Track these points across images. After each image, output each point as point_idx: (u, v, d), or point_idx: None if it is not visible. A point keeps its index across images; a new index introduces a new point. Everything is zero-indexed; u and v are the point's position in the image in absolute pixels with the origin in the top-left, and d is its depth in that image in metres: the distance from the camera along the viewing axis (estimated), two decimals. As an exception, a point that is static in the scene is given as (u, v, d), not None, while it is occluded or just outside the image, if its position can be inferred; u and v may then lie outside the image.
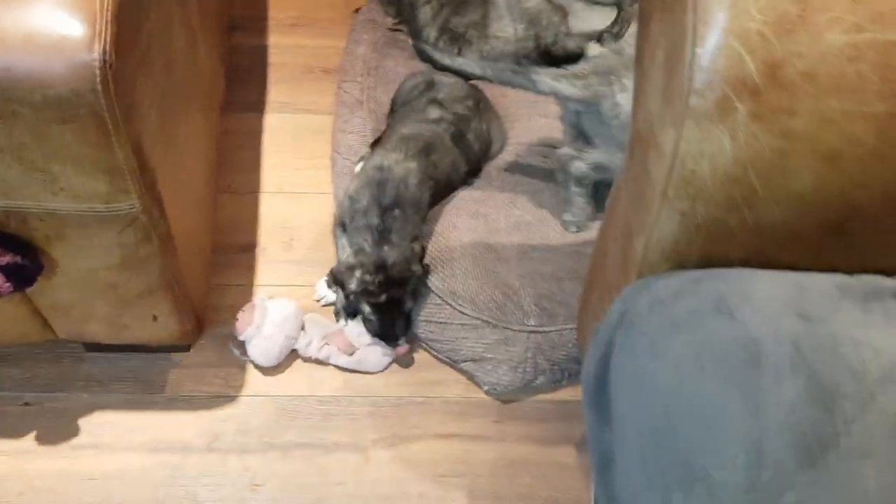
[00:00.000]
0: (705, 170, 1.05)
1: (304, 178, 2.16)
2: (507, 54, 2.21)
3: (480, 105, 2.01)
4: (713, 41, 0.96)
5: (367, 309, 1.72)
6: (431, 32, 2.24)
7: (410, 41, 2.33)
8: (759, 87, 0.96)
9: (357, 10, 2.50)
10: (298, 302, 1.87)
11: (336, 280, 1.76)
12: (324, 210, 2.06)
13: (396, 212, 1.74)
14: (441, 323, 1.79)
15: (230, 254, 2.00)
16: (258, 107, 2.32)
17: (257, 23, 2.56)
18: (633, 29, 2.05)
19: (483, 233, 1.89)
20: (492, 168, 2.05)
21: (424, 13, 2.25)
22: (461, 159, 1.93)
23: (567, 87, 1.77)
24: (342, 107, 2.20)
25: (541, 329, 1.76)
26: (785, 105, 0.96)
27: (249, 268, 1.99)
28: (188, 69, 1.73)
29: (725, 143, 1.01)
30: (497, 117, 2.09)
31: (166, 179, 1.43)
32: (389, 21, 2.39)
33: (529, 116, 2.16)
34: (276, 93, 2.36)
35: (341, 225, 1.81)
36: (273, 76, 2.41)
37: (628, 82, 1.73)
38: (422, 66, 2.26)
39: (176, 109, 1.58)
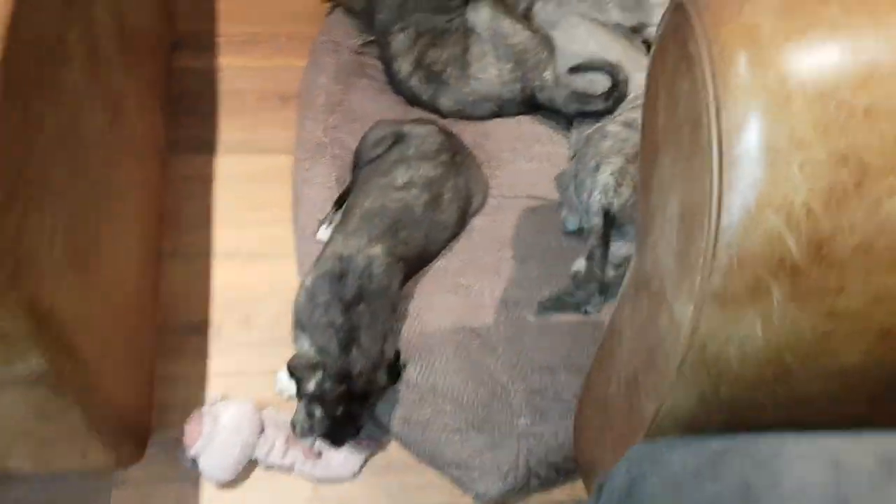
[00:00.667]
0: (731, 354, 0.86)
1: (262, 237, 1.90)
2: (490, 98, 1.94)
3: (457, 158, 1.74)
4: (743, 214, 0.75)
5: (318, 410, 1.50)
6: (404, 65, 1.95)
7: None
8: (800, 266, 0.76)
9: (330, 13, 2.19)
10: (256, 396, 1.65)
11: (293, 375, 1.54)
12: (285, 277, 1.82)
13: (361, 307, 1.50)
14: (421, 423, 1.57)
15: (179, 335, 1.76)
16: (208, 146, 2.05)
17: (205, 39, 2.25)
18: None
19: (465, 313, 1.66)
20: (473, 225, 1.79)
21: (398, 42, 1.96)
22: (436, 229, 1.68)
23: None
24: (303, 149, 1.93)
25: (533, 430, 1.54)
26: (831, 284, 0.77)
27: (201, 353, 1.75)
28: (112, 142, 1.45)
29: (756, 327, 0.81)
30: (477, 167, 1.83)
31: (83, 315, 1.18)
32: (355, 42, 2.09)
33: (514, 160, 1.90)
34: (228, 128, 2.08)
35: (299, 324, 1.56)
36: (225, 106, 2.12)
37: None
38: (393, 102, 2.00)
39: (93, 210, 1.32)
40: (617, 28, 2.01)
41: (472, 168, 1.79)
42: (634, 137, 1.65)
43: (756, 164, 0.75)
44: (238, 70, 2.19)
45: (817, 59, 0.74)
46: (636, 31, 2.05)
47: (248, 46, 2.25)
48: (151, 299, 1.75)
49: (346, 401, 1.46)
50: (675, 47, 0.86)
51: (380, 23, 2.02)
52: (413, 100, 1.97)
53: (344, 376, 1.46)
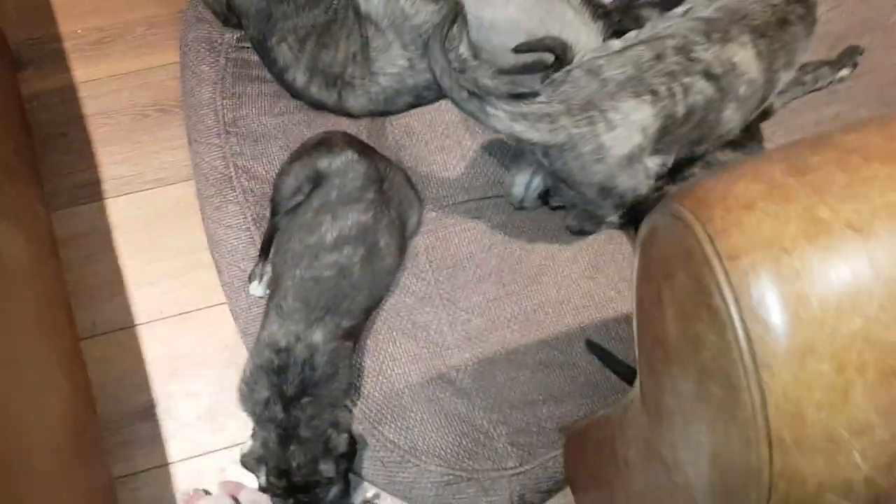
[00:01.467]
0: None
1: (185, 288, 1.72)
2: (404, 91, 1.71)
3: (384, 186, 1.56)
4: (798, 494, 0.71)
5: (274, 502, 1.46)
6: (298, 76, 1.69)
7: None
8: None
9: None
10: (227, 474, 1.58)
11: (246, 467, 1.47)
12: (221, 330, 1.68)
13: (305, 400, 1.41)
14: (408, 482, 1.53)
15: (127, 425, 1.63)
16: (92, 191, 1.79)
17: (48, 47, 1.90)
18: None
19: (429, 358, 1.57)
20: (417, 248, 1.66)
21: (283, 54, 1.68)
22: (380, 277, 1.54)
23: (529, 130, 1.37)
24: (205, 183, 1.71)
25: (521, 469, 1.53)
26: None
27: (154, 440, 1.63)
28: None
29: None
30: (405, 182, 1.65)
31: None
32: (231, 36, 1.79)
33: (445, 160, 1.72)
34: (109, 163, 1.82)
35: (246, 411, 1.46)
36: (97, 136, 1.84)
37: (615, 116, 1.36)
38: (294, 108, 1.75)
39: None
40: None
41: (401, 187, 1.62)
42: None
43: (814, 454, 0.68)
44: (100, 83, 1.88)
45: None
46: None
47: (101, 47, 1.92)
48: (84, 399, 1.60)
49: (292, 493, 1.41)
50: (687, 279, 0.74)
51: (254, 38, 1.72)
52: (317, 107, 1.73)
53: (282, 472, 1.39)
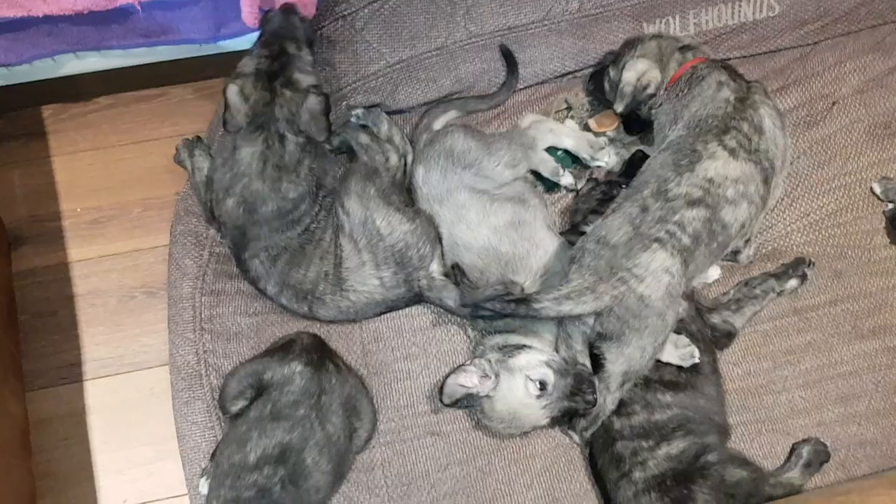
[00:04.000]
0: None
1: (152, 477, 1.77)
2: (373, 305, 1.76)
3: (322, 401, 1.56)
4: None
5: None
6: (269, 287, 1.74)
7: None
8: None
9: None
10: None
11: None
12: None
13: None
14: None
15: None
16: (73, 372, 1.86)
17: (48, 225, 2.00)
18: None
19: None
20: (374, 461, 1.67)
21: (254, 267, 1.74)
22: (305, 497, 1.52)
23: (578, 306, 1.50)
24: (177, 376, 1.75)
25: None
26: None
27: None
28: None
29: None
30: (362, 392, 1.67)
31: None
32: (217, 233, 1.86)
33: (409, 370, 1.75)
34: (91, 345, 1.89)
35: None
36: (85, 316, 1.91)
37: (639, 270, 1.49)
38: (270, 310, 1.81)
39: None
40: (511, 188, 1.84)
41: (353, 398, 1.62)
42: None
43: None
44: (92, 263, 1.96)
45: None
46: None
47: (97, 226, 2.01)
48: None
49: None
50: None
51: (229, 247, 1.79)
52: (289, 312, 1.79)
53: None
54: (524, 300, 1.52)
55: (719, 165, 1.57)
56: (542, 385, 1.56)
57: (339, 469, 1.61)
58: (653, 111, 1.83)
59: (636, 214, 1.54)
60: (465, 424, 1.72)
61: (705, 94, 1.71)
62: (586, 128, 1.99)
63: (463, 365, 1.61)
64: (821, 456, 1.65)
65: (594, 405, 1.55)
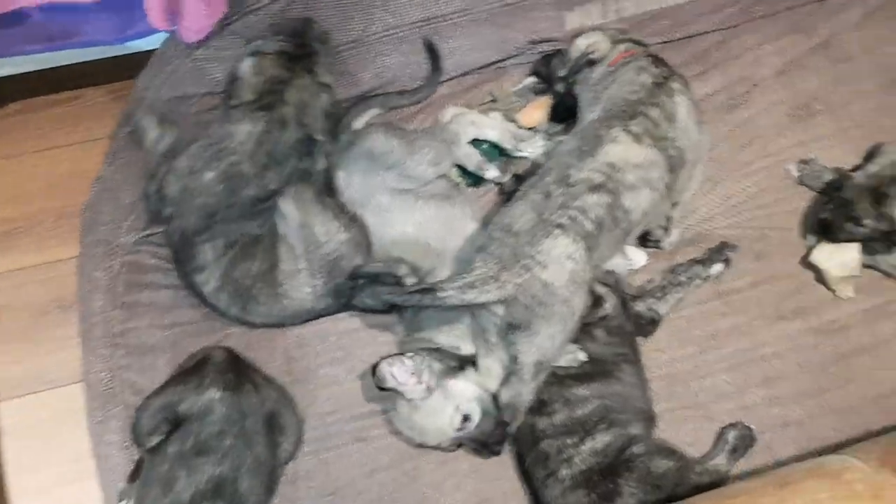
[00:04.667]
0: None
1: (70, 497, 1.71)
2: (303, 313, 1.72)
3: (248, 424, 1.51)
4: None
5: None
6: (211, 279, 1.68)
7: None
8: None
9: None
10: None
11: None
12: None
13: None
14: None
15: None
16: (-15, 391, 1.79)
17: (-42, 241, 1.92)
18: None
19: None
20: (297, 473, 1.63)
21: (204, 254, 1.68)
22: None
23: (482, 294, 1.45)
24: (91, 393, 1.70)
25: None
26: None
27: None
28: None
29: None
30: (286, 404, 1.63)
31: None
32: (130, 240, 1.80)
33: (336, 375, 1.72)
34: (3, 363, 1.82)
35: None
36: (-4, 332, 1.84)
37: (542, 256, 1.45)
38: (186, 320, 1.75)
39: None
40: (435, 185, 1.81)
41: (277, 413, 1.58)
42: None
43: None
44: (2, 277, 1.89)
45: None
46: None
47: (10, 238, 1.94)
48: None
49: None
50: None
51: (180, 231, 1.70)
52: (217, 313, 1.74)
53: None
54: (429, 290, 1.47)
55: (620, 150, 1.55)
56: (466, 419, 1.55)
57: (270, 487, 1.57)
58: (579, 89, 1.81)
59: (539, 201, 1.51)
60: (392, 428, 1.69)
61: (624, 77, 1.70)
62: (514, 121, 1.97)
63: (402, 355, 1.58)
64: (746, 440, 1.65)
65: (497, 455, 1.57)
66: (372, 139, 1.80)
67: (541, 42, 1.99)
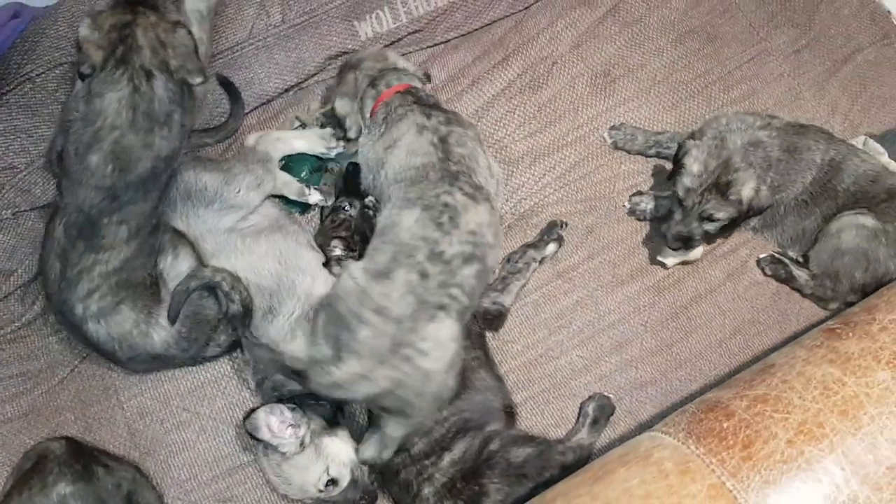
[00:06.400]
0: None
1: None
2: (147, 358, 1.63)
3: None
4: None
5: None
6: (112, 262, 1.56)
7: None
8: None
9: None
10: None
11: None
12: None
13: None
14: None
15: None
16: None
17: None
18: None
19: None
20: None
21: (114, 234, 1.55)
22: None
23: (349, 393, 1.46)
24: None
25: None
26: None
27: None
28: None
29: None
30: (142, 481, 1.55)
31: None
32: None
33: (185, 441, 1.64)
34: None
35: None
36: None
37: (425, 344, 1.41)
38: (13, 414, 1.63)
39: None
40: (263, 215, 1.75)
41: (132, 493, 1.49)
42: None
43: None
44: None
45: None
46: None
47: None
48: None
49: None
50: None
51: (87, 209, 1.53)
52: (90, 343, 1.60)
53: None
54: (300, 373, 1.44)
55: (472, 215, 1.51)
56: (333, 482, 1.52)
57: None
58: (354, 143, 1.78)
59: (416, 282, 1.42)
60: (257, 481, 1.63)
61: (409, 140, 1.62)
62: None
63: (282, 404, 1.52)
64: (606, 410, 1.68)
65: None
66: (183, 178, 1.71)
67: (337, 56, 1.95)
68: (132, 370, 1.67)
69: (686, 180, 1.67)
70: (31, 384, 1.68)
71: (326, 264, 1.70)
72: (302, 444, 1.52)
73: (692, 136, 1.73)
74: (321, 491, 1.51)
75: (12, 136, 1.74)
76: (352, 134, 1.76)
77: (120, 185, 1.53)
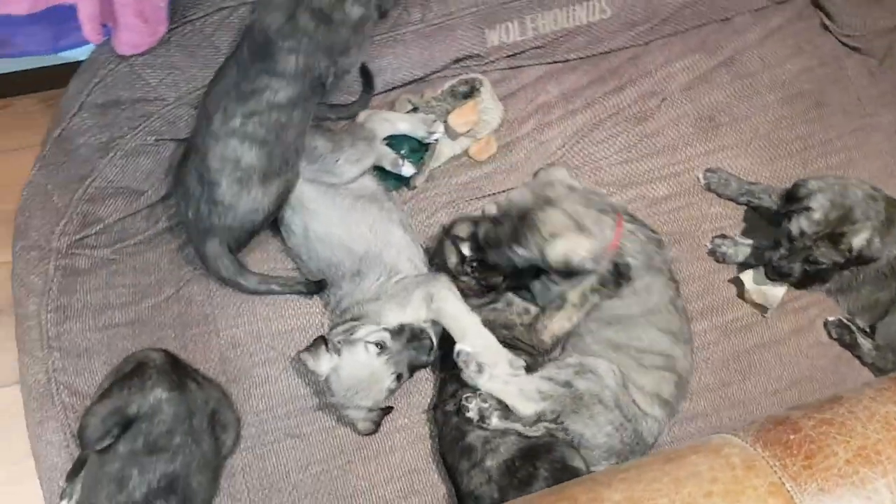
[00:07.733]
0: None
1: (7, 498, 1.74)
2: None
3: (195, 422, 1.58)
4: None
5: None
6: (246, 152, 1.76)
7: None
8: None
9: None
10: None
11: None
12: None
13: None
14: None
15: None
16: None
17: None
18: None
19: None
20: (234, 468, 1.71)
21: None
22: None
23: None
24: (28, 395, 1.73)
25: None
26: None
27: None
28: None
29: None
30: (225, 402, 1.69)
31: None
32: (63, 242, 1.82)
33: (268, 374, 1.79)
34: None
35: None
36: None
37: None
38: (123, 322, 1.79)
39: None
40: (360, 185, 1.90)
41: (217, 410, 1.65)
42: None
43: None
44: (-63, 282, 1.89)
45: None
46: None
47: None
48: None
49: None
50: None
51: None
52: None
53: None
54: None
55: None
56: (381, 345, 1.65)
57: (215, 482, 1.64)
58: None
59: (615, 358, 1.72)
60: (325, 424, 1.77)
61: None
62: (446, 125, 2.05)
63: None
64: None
65: (433, 349, 1.67)
66: (305, 137, 1.87)
67: (464, 59, 2.09)
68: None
69: (804, 223, 1.74)
70: (139, 296, 1.83)
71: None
72: (339, 353, 1.66)
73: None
74: (379, 354, 1.65)
75: (167, 72, 1.90)
76: None
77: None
